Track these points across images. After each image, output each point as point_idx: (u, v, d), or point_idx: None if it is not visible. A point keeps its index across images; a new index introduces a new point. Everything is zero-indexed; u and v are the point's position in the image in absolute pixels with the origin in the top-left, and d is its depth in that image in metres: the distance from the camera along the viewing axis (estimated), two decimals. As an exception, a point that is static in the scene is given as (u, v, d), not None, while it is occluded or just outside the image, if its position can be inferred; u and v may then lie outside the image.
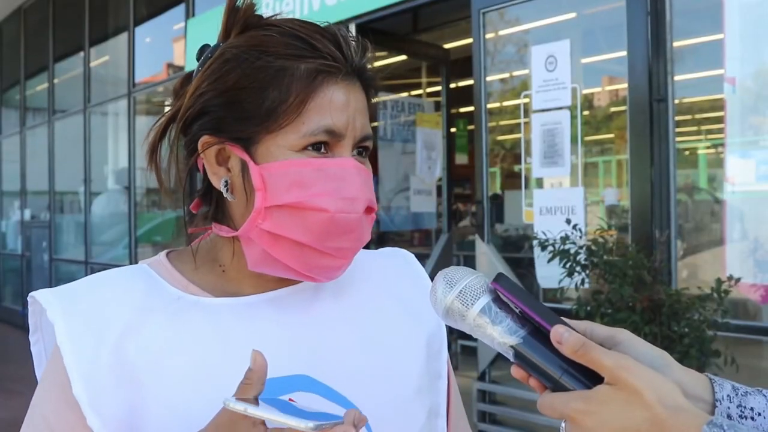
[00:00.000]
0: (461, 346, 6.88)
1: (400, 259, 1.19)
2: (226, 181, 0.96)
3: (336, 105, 0.93)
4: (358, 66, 0.97)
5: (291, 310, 1.00)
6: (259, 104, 0.92)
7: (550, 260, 3.43)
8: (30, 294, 0.98)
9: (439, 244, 6.89)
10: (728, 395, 0.80)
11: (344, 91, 0.94)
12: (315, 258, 0.94)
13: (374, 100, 1.06)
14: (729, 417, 0.79)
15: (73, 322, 0.92)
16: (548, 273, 4.00)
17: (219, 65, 0.94)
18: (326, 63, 0.93)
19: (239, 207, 0.97)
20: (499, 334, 0.81)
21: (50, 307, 0.93)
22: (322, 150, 0.94)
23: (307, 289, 1.03)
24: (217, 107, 0.94)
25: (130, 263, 8.57)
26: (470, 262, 6.47)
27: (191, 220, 1.05)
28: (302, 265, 0.95)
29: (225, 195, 0.97)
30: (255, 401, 0.80)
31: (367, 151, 1.00)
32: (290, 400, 0.92)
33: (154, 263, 1.03)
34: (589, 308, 3.28)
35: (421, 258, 8.09)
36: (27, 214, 11.91)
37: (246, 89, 0.92)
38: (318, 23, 0.98)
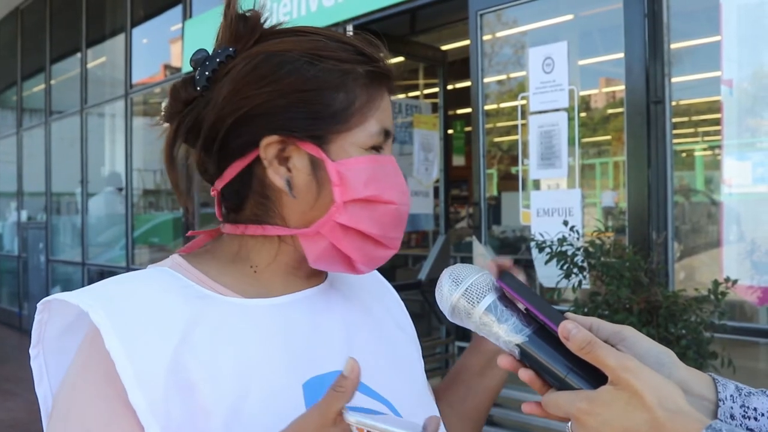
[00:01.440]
0: (458, 348, 6.87)
1: (371, 274, 1.22)
2: (288, 180, 0.99)
3: (387, 107, 1.03)
4: (390, 69, 1.05)
5: (318, 310, 1.04)
6: (328, 105, 0.97)
7: (547, 262, 3.44)
8: (44, 299, 0.95)
9: (436, 245, 6.89)
10: (731, 395, 0.80)
11: (388, 95, 1.04)
12: (373, 249, 1.01)
13: None
14: (732, 417, 0.79)
15: (124, 327, 0.88)
16: (546, 274, 4.00)
17: (270, 69, 0.97)
18: (380, 67, 1.01)
19: (300, 205, 0.99)
20: (504, 333, 0.82)
21: (92, 310, 0.89)
22: (378, 150, 1.02)
23: (325, 290, 1.07)
24: (281, 108, 0.97)
25: (127, 264, 8.60)
26: (467, 263, 6.47)
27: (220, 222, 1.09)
28: (362, 257, 1.01)
29: (289, 194, 0.98)
30: (344, 409, 0.80)
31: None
32: None
33: (174, 266, 1.02)
34: (586, 310, 3.29)
35: (418, 259, 8.08)
36: (24, 215, 11.89)
37: (313, 91, 0.97)
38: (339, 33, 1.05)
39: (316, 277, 1.07)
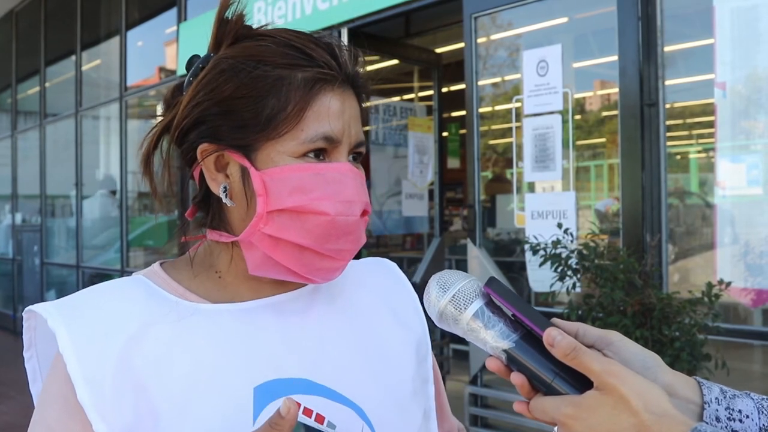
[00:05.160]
0: (453, 350, 6.88)
1: (384, 268, 1.23)
2: (225, 187, 0.99)
3: (333, 112, 0.97)
4: (351, 74, 1.00)
5: (289, 314, 1.03)
6: (257, 113, 0.95)
7: (541, 264, 3.44)
8: (26, 309, 0.99)
9: (431, 248, 6.90)
10: (716, 398, 0.81)
11: (340, 99, 0.98)
12: (315, 260, 0.97)
13: (366, 105, 1.09)
14: (717, 419, 0.80)
15: (77, 330, 0.92)
16: (540, 277, 4.01)
17: (214, 75, 0.97)
18: (323, 71, 0.96)
19: (239, 212, 0.99)
20: (492, 338, 0.82)
21: (51, 317, 0.93)
22: (321, 156, 0.97)
23: (303, 294, 1.06)
24: (214, 116, 0.97)
25: (122, 267, 8.58)
26: (462, 265, 6.48)
27: (185, 227, 1.08)
28: (303, 268, 0.97)
29: (224, 201, 0.99)
30: None
31: (361, 156, 1.04)
32: (303, 409, 0.95)
33: (149, 273, 1.04)
34: (580, 312, 3.29)
35: (413, 262, 8.09)
36: (18, 218, 11.87)
37: (244, 98, 0.95)
38: (310, 32, 1.01)
39: (293, 282, 1.04)
